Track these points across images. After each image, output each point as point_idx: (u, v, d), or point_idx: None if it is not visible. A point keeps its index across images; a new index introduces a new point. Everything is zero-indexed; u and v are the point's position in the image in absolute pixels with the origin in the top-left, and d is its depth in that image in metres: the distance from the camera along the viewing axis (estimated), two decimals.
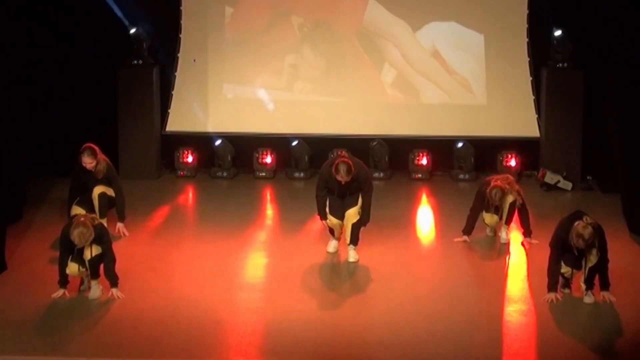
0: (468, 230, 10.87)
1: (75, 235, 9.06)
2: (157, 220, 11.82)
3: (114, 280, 9.35)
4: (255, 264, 10.47)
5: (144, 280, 9.81)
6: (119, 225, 10.97)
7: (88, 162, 10.70)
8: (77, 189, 10.90)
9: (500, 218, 10.81)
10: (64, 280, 9.31)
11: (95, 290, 9.37)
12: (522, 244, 10.79)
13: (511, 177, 10.91)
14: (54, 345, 8.45)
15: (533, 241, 10.73)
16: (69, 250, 9.25)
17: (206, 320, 8.91)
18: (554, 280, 9.31)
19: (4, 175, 10.85)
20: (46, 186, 12.55)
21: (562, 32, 13.07)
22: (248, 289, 9.69)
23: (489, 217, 10.86)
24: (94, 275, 9.35)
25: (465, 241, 10.85)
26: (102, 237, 9.29)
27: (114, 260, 9.35)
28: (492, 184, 10.63)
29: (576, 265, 9.31)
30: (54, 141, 13.12)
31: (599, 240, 9.16)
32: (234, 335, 8.63)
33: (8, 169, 11.17)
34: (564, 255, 9.28)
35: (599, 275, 9.28)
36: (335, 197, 10.35)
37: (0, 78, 11.01)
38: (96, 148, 10.77)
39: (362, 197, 10.32)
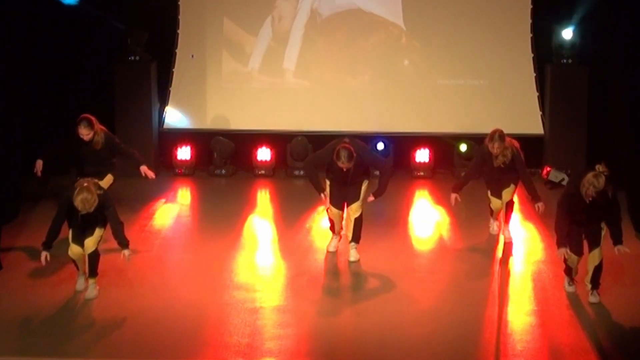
0: (456, 188, 10.58)
1: (79, 201, 8.93)
2: (155, 218, 11.74)
3: (124, 242, 9.21)
4: (255, 263, 10.40)
5: (142, 280, 9.76)
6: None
7: (85, 133, 10.41)
8: (62, 155, 10.67)
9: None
10: (49, 242, 9.14)
11: (92, 290, 9.32)
12: (537, 207, 10.35)
13: (513, 140, 10.68)
14: (51, 346, 8.39)
15: (540, 206, 10.40)
16: (66, 214, 9.14)
17: (205, 320, 8.88)
18: (563, 236, 9.10)
19: None
20: (42, 185, 12.45)
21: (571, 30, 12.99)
22: (247, 289, 9.63)
23: (494, 201, 10.76)
24: (92, 273, 9.28)
25: (456, 199, 10.55)
26: (106, 202, 9.16)
27: (121, 223, 9.25)
28: (491, 131, 10.49)
29: (580, 251, 9.18)
30: (50, 139, 13.00)
31: (611, 194, 8.95)
32: (233, 336, 8.57)
33: (3, 167, 11.11)
34: (570, 234, 9.09)
35: (613, 231, 9.10)
36: (336, 186, 10.22)
37: None
38: (93, 118, 10.48)
39: (381, 175, 10.18)
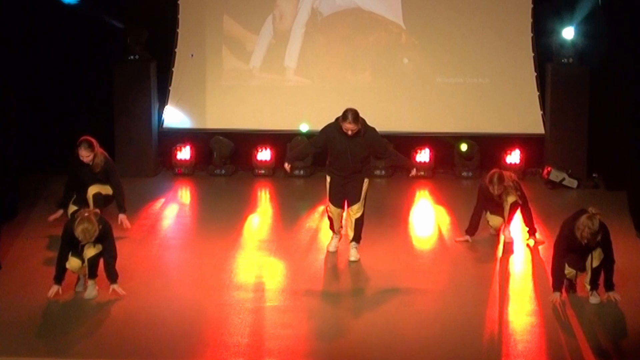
0: (471, 231, 10.78)
1: (80, 231, 8.92)
2: (155, 218, 11.74)
3: (113, 277, 9.20)
4: (255, 263, 10.36)
5: (142, 280, 9.72)
6: (121, 216, 10.64)
7: (85, 155, 10.42)
8: (74, 184, 10.66)
9: (504, 218, 10.69)
10: (60, 277, 9.16)
11: (92, 290, 9.28)
12: (528, 245, 10.66)
13: (512, 174, 10.79)
14: (49, 346, 8.37)
15: (539, 239, 10.64)
16: (70, 245, 9.11)
17: (205, 320, 8.85)
18: (559, 280, 9.18)
19: None
20: (41, 184, 12.45)
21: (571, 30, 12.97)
22: (247, 289, 9.60)
23: (493, 219, 10.78)
24: (92, 274, 9.25)
25: (467, 241, 10.75)
26: (106, 233, 9.14)
27: (114, 257, 9.21)
28: (489, 173, 10.54)
29: (580, 267, 9.17)
30: (48, 138, 13.02)
31: (603, 238, 8.99)
32: (233, 336, 8.54)
33: (2, 166, 11.07)
34: (568, 257, 9.11)
35: (604, 276, 9.14)
36: (336, 182, 10.16)
37: None
38: (93, 141, 10.49)
39: (387, 154, 10.49)
